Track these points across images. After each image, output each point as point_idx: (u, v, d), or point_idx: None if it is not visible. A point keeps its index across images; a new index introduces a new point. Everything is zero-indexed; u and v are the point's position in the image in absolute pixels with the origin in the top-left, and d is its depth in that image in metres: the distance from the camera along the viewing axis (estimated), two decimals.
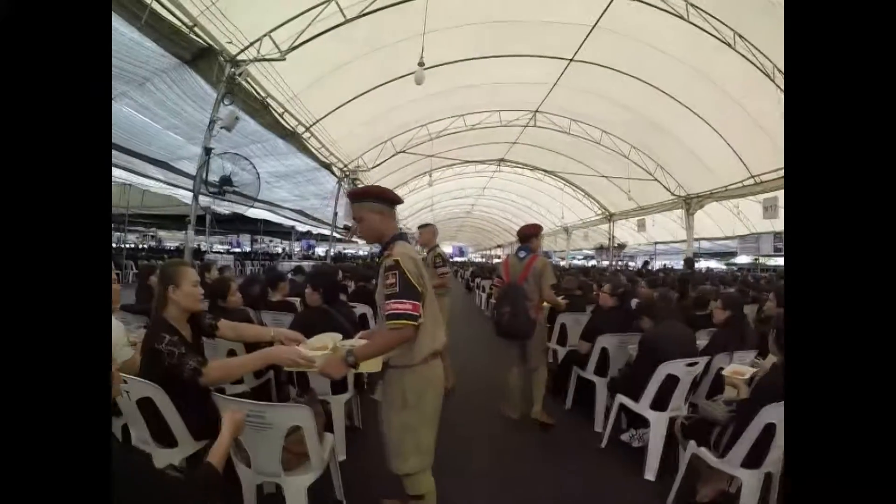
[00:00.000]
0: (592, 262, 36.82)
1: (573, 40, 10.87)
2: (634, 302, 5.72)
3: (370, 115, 13.32)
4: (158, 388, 2.58)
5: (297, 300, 5.74)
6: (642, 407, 3.97)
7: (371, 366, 2.55)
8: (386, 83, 11.76)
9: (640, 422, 4.37)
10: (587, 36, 10.58)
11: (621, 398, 4.25)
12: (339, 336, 2.86)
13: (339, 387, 3.93)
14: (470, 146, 18.08)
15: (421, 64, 8.22)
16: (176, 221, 28.84)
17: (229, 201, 8.41)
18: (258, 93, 9.44)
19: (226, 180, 7.95)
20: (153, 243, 39.92)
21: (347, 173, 15.75)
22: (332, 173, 15.20)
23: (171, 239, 42.23)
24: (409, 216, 33.18)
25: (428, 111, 14.42)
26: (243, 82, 8.36)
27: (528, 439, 4.70)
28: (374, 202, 2.60)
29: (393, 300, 2.39)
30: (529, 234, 5.11)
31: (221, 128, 7.88)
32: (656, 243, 26.90)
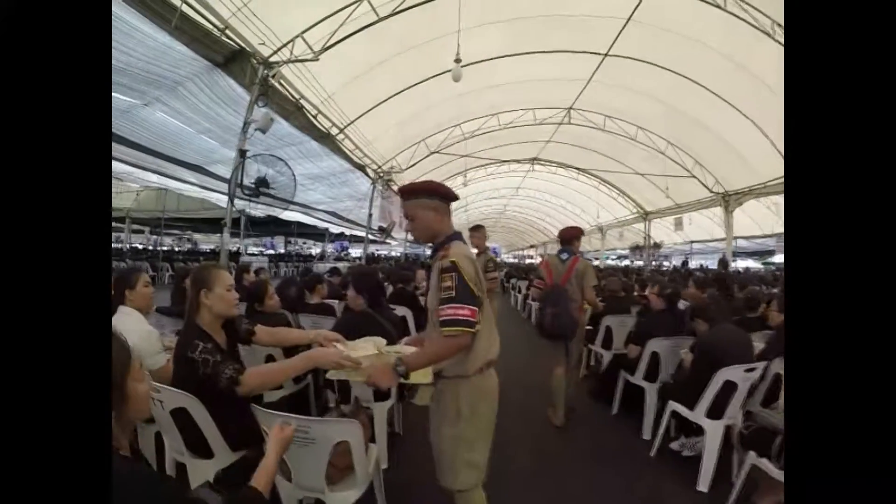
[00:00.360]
0: (626, 262, 36.31)
1: (607, 34, 10.58)
2: (682, 303, 5.52)
3: (404, 116, 13.21)
4: (193, 398, 2.46)
5: (334, 302, 5.72)
6: (697, 415, 3.79)
7: (421, 376, 2.36)
8: (419, 83, 11.65)
9: (690, 429, 4.23)
10: (622, 29, 10.28)
11: (674, 405, 4.07)
12: (383, 341, 2.65)
13: (382, 393, 3.80)
14: (503, 146, 17.85)
15: (458, 60, 8.08)
16: (210, 224, 29.48)
17: (265, 204, 8.36)
18: (292, 95, 9.39)
19: (262, 182, 7.88)
20: (189, 246, 40.65)
21: (381, 175, 15.71)
22: (367, 175, 15.14)
23: (206, 241, 43.18)
24: None
25: (461, 110, 14.26)
26: (276, 84, 8.30)
27: (573, 445, 4.58)
28: (427, 198, 2.44)
29: (449, 305, 2.22)
30: (571, 237, 5.27)
31: (256, 129, 7.77)
32: (692, 242, 26.14)
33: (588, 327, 6.24)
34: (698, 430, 3.96)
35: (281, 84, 8.64)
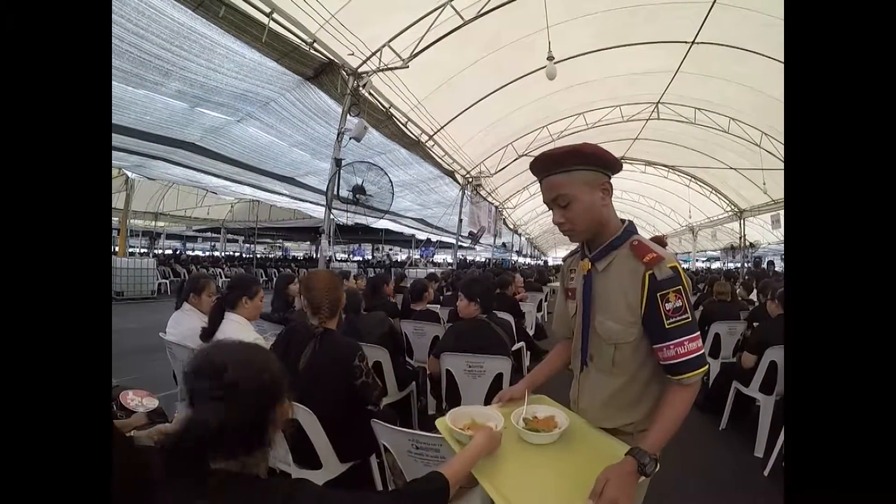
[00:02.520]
0: (717, 264, 35.36)
1: (693, 21, 10.07)
2: None
3: (491, 119, 13.17)
4: (307, 410, 2.49)
5: (436, 307, 5.93)
6: None
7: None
8: (506, 85, 11.58)
9: None
10: (707, 14, 9.72)
11: None
12: (489, 413, 1.86)
13: None
14: None
15: (550, 58, 8.06)
16: (300, 232, 30.63)
17: (362, 214, 8.44)
18: (381, 104, 9.51)
19: (359, 189, 8.07)
20: (280, 253, 42.37)
21: (470, 180, 15.74)
22: (455, 180, 15.21)
23: (296, 249, 46.12)
24: (529, 221, 33.19)
25: (548, 111, 14.06)
26: (367, 94, 8.42)
27: (676, 463, 4.22)
28: (591, 169, 1.67)
29: (688, 336, 1.57)
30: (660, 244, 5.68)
31: (351, 138, 7.96)
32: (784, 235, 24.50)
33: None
34: None
35: (370, 94, 8.75)
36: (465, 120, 12.37)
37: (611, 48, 11.01)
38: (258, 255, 32.10)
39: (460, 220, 16.21)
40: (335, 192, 7.93)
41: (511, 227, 28.09)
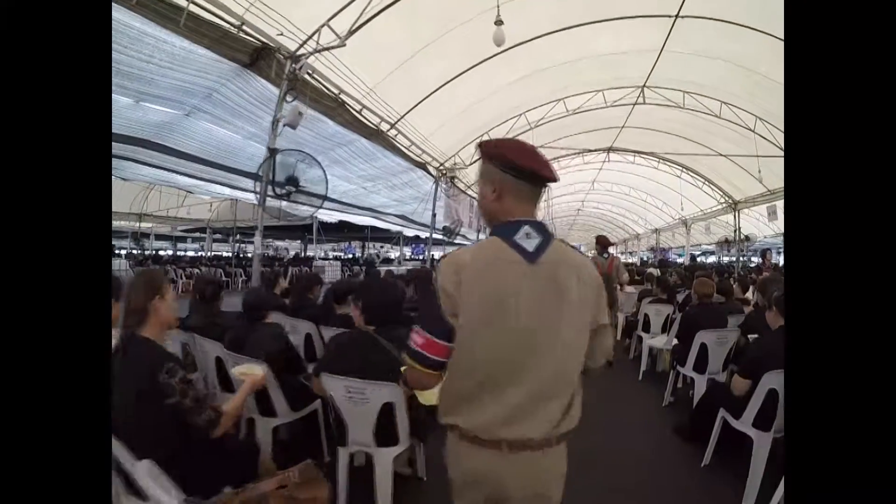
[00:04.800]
0: (711, 259, 34.57)
1: None
2: None
3: (461, 106, 12.12)
4: None
5: None
6: None
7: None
8: (470, 68, 10.56)
9: None
10: None
11: None
12: None
13: (387, 437, 3.08)
14: (574, 135, 16.46)
15: (499, 23, 7.19)
16: (289, 231, 30.43)
17: (300, 202, 7.88)
18: (330, 90, 8.73)
19: (292, 180, 7.44)
20: (270, 252, 42.34)
21: (444, 172, 14.79)
22: (428, 173, 14.29)
23: (288, 248, 45.50)
24: None
25: (524, 97, 13.01)
26: (307, 76, 7.73)
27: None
28: (485, 162, 1.77)
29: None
30: (607, 244, 8.47)
31: (285, 125, 7.28)
32: (783, 234, 23.72)
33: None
34: None
35: (315, 78, 8.13)
36: (431, 108, 11.40)
37: (587, 24, 9.98)
38: (247, 255, 32.34)
39: (433, 215, 15.31)
40: (270, 181, 7.37)
41: None
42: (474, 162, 14.66)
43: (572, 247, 1.83)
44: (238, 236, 34.10)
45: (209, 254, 33.24)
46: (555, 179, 1.71)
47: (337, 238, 37.85)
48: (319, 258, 29.10)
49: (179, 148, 9.93)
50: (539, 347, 1.61)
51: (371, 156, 11.67)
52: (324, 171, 7.56)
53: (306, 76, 7.72)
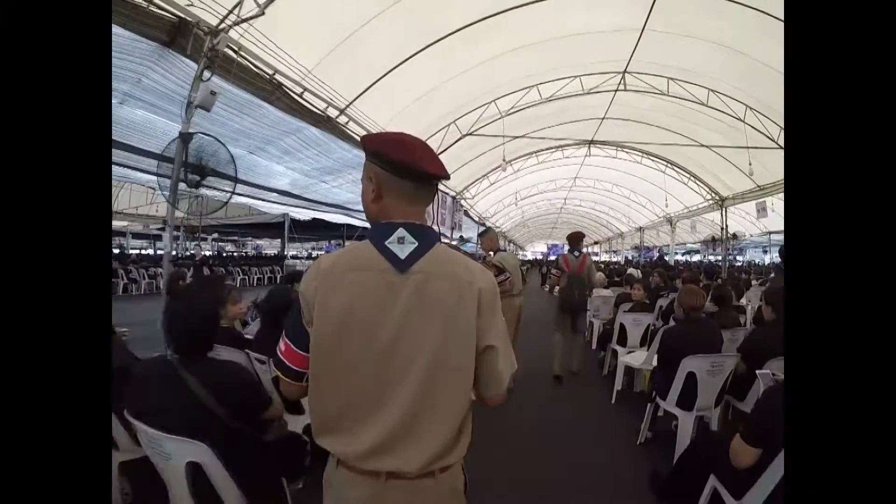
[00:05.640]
0: (697, 258, 34.25)
1: None
2: None
3: (419, 92, 10.93)
4: None
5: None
6: None
7: None
8: (425, 48, 9.34)
9: None
10: None
11: None
12: None
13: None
14: (552, 127, 15.37)
15: None
16: (265, 229, 30.25)
17: (213, 187, 6.96)
18: (263, 70, 7.71)
19: (200, 168, 6.54)
20: (250, 251, 43.82)
21: None
22: None
23: (269, 247, 46.41)
24: (496, 213, 31.44)
25: (492, 82, 11.86)
26: (229, 51, 6.87)
27: None
28: (373, 160, 1.55)
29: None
30: (579, 239, 7.44)
31: (196, 107, 6.47)
32: (770, 233, 23.24)
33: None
34: None
35: (243, 56, 7.18)
36: (384, 93, 10.24)
37: None
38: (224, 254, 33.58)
39: None
40: (183, 168, 6.46)
41: (476, 219, 26.14)
42: (442, 152, 13.61)
43: (467, 253, 1.70)
44: (216, 234, 34.32)
45: (181, 252, 33.60)
46: (440, 175, 1.54)
47: (315, 237, 37.43)
48: (291, 256, 29.50)
49: (125, 141, 8.85)
50: (407, 370, 1.43)
51: (324, 146, 10.53)
52: (229, 152, 6.67)
53: (228, 51, 6.84)
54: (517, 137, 14.54)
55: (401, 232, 1.46)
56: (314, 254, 42.51)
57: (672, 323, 5.01)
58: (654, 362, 4.81)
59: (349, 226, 21.12)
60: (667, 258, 29.84)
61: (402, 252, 1.44)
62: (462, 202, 20.95)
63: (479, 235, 7.17)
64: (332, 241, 43.58)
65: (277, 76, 7.96)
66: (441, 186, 17.09)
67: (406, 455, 1.42)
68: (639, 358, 5.85)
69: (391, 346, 1.40)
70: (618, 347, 6.77)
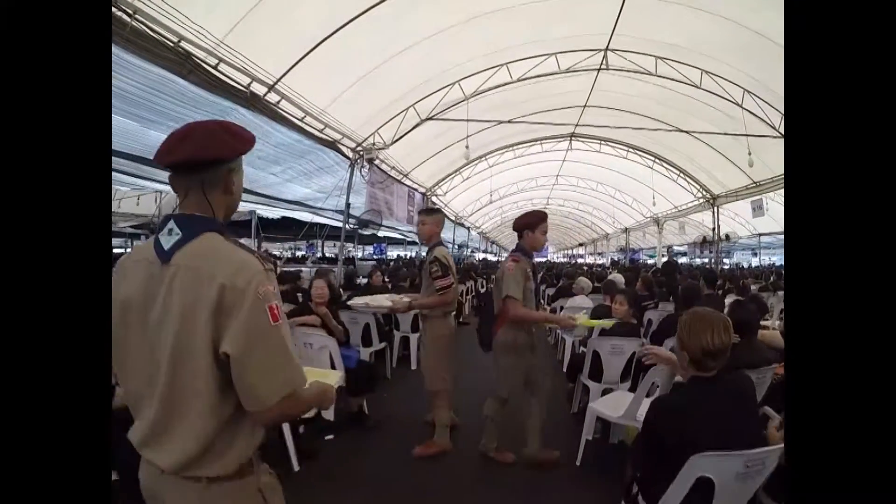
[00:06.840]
0: (683, 260, 33.44)
1: None
2: None
3: (363, 69, 9.34)
4: None
5: None
6: None
7: None
8: (360, 15, 7.78)
9: None
10: None
11: None
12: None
13: None
14: (529, 115, 13.79)
15: None
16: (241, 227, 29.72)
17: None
18: (166, 38, 6.30)
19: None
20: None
21: (361, 153, 12.02)
22: (342, 154, 11.60)
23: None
24: (474, 212, 30.03)
25: (451, 60, 10.30)
26: (121, 13, 5.57)
27: None
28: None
29: None
30: (523, 225, 4.56)
31: None
32: (760, 235, 22.58)
33: None
34: None
35: (138, 19, 5.78)
36: (324, 69, 8.73)
37: None
38: None
39: (348, 205, 12.56)
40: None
41: (452, 219, 24.67)
42: (398, 139, 12.10)
43: (244, 246, 1.52)
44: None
45: None
46: (162, 161, 1.50)
47: (289, 237, 35.49)
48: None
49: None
50: (159, 365, 1.44)
51: (259, 129, 8.90)
52: None
53: (121, 14, 5.54)
54: (485, 122, 12.92)
55: (171, 224, 1.47)
56: (297, 254, 41.76)
57: (668, 386, 3.10)
58: (640, 415, 3.28)
59: (321, 224, 20.09)
60: (651, 261, 28.78)
61: (168, 243, 1.44)
62: (434, 199, 19.58)
63: (420, 213, 5.02)
64: (308, 241, 42.48)
65: (184, 43, 6.59)
66: (408, 181, 15.66)
67: (160, 451, 1.45)
68: (617, 404, 4.26)
69: (156, 338, 1.42)
70: (589, 383, 5.14)
